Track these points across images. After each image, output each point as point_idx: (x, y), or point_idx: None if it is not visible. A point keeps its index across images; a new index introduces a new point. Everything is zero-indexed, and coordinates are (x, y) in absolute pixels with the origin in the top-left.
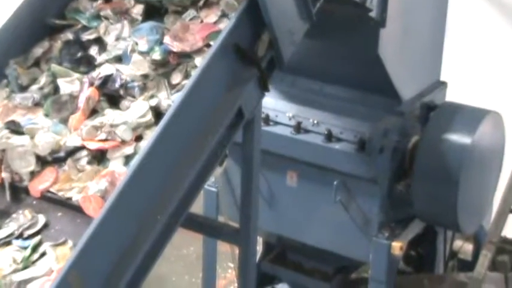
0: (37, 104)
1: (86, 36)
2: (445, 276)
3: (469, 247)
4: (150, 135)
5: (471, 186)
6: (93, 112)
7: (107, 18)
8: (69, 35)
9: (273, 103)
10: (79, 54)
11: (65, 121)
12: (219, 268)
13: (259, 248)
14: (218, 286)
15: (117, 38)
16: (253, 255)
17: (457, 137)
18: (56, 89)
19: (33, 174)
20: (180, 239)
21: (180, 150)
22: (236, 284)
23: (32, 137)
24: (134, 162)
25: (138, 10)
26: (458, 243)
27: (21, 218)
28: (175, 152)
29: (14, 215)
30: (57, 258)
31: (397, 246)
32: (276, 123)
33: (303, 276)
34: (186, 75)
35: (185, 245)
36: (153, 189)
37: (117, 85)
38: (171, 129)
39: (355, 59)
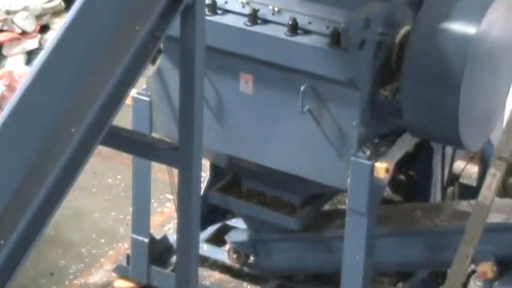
0: None
1: None
2: (442, 206)
3: (473, 169)
4: (59, 25)
5: (477, 90)
6: None
7: None
8: None
9: None
10: None
11: None
12: (154, 201)
13: (205, 174)
14: (153, 223)
15: None
16: (197, 182)
17: (458, 27)
18: None
19: None
20: (103, 165)
21: (99, 44)
22: (176, 221)
23: None
24: (39, 59)
25: None
26: (459, 164)
27: None
28: (92, 46)
29: None
30: None
31: (382, 168)
32: (226, 11)
33: (262, 209)
34: None
35: (110, 173)
36: (64, 94)
37: None
38: (87, 16)
39: None
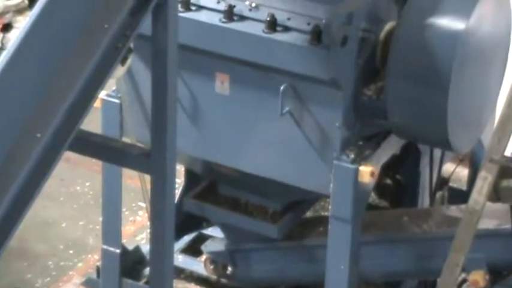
0: None
1: None
2: (431, 211)
3: (463, 172)
4: (22, 23)
5: (466, 88)
6: None
7: None
8: None
9: None
10: None
11: None
12: (126, 210)
13: (180, 181)
14: (124, 233)
15: None
16: (171, 189)
17: (446, 22)
18: None
19: None
20: (71, 172)
21: (65, 43)
22: (149, 230)
23: None
24: (1, 60)
25: None
26: (449, 167)
27: None
28: (58, 46)
29: None
30: None
31: (367, 172)
32: (200, 7)
33: (241, 217)
34: None
35: (78, 180)
36: (28, 97)
37: None
38: (52, 14)
39: None
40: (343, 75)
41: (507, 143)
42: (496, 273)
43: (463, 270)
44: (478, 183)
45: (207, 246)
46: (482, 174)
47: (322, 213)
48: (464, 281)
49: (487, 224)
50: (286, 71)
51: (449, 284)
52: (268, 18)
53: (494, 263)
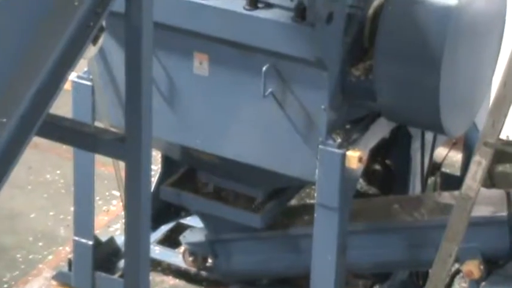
0: None
1: None
2: (423, 198)
3: (457, 157)
4: None
5: (459, 68)
6: None
7: None
8: None
9: None
10: None
11: None
12: (99, 199)
13: (157, 168)
14: (97, 224)
15: None
16: (146, 177)
17: None
18: None
19: None
20: (40, 159)
21: (32, 22)
22: (124, 220)
23: None
24: None
25: None
26: (441, 152)
27: None
28: (24, 25)
29: None
30: None
31: (355, 157)
32: None
33: (221, 206)
34: None
35: (48, 167)
36: None
37: None
38: None
39: None
40: (329, 55)
41: (502, 125)
42: (491, 263)
43: (457, 260)
44: (472, 168)
45: (186, 237)
46: (476, 158)
47: (308, 201)
48: (457, 271)
49: (481, 211)
50: (269, 50)
51: (442, 275)
52: None
53: (489, 252)
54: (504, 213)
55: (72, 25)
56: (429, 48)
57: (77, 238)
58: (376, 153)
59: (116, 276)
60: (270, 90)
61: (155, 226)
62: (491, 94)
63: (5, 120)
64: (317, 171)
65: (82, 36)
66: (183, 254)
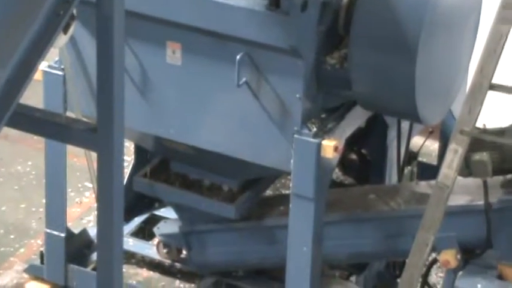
0: None
1: None
2: (399, 188)
3: (433, 146)
4: None
5: (435, 56)
6: None
7: None
8: None
9: None
10: None
11: None
12: (71, 190)
13: (130, 158)
14: (70, 216)
15: None
16: (119, 168)
17: None
18: None
19: None
20: (10, 150)
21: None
22: (97, 212)
23: None
24: None
25: None
26: (418, 141)
27: None
28: None
29: None
30: None
31: (330, 147)
32: None
33: (195, 197)
34: None
35: (19, 159)
36: None
37: None
38: None
39: None
40: (303, 43)
41: (479, 113)
42: (468, 252)
43: (433, 249)
44: (448, 156)
45: (160, 229)
46: (452, 146)
47: (283, 192)
48: (434, 261)
49: (458, 200)
50: (243, 38)
51: (418, 264)
52: None
53: (466, 241)
54: (481, 202)
55: (41, 13)
56: (405, 37)
57: (49, 230)
58: (352, 143)
59: (88, 268)
60: (244, 79)
61: (128, 218)
62: (467, 82)
63: None
64: (292, 161)
65: (52, 25)
66: (157, 245)
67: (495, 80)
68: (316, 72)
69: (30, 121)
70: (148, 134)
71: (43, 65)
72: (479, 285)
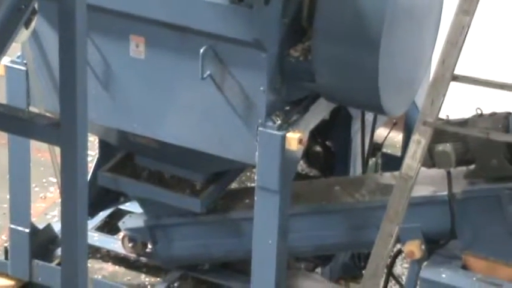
0: None
1: None
2: (364, 179)
3: (397, 137)
4: None
5: (398, 47)
6: None
7: None
8: None
9: None
10: None
11: None
12: (35, 186)
13: (94, 153)
14: (34, 211)
15: None
16: (82, 162)
17: None
18: None
19: None
20: None
21: None
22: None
23: None
24: None
25: None
26: (382, 132)
27: None
28: None
29: None
30: None
31: (295, 139)
32: None
33: (160, 191)
34: None
35: None
36: None
37: None
38: None
39: None
40: (267, 36)
41: (441, 104)
42: (432, 243)
43: (398, 240)
44: (411, 147)
45: (125, 223)
46: (415, 137)
47: (248, 184)
48: (399, 252)
49: (422, 191)
50: (206, 32)
51: (382, 255)
52: None
53: (431, 232)
54: (445, 193)
55: (2, 8)
56: (368, 29)
57: (13, 226)
58: (317, 135)
59: (53, 264)
60: (208, 72)
61: (93, 213)
62: (430, 74)
63: None
64: (257, 153)
65: (13, 20)
66: (122, 240)
67: (457, 71)
68: (280, 64)
69: None
70: (112, 128)
71: (5, 60)
72: (443, 275)
